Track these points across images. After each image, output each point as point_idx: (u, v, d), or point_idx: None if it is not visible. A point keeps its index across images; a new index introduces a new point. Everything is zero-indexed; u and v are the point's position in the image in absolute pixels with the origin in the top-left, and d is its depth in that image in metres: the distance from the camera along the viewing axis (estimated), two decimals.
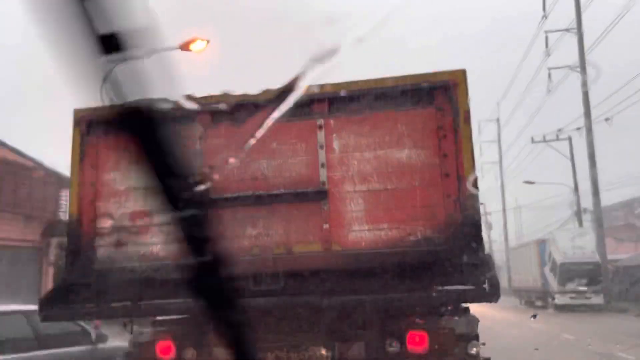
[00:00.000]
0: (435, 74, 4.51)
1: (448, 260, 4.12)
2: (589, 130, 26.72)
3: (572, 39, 28.04)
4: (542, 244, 30.68)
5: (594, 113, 26.86)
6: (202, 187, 1.29)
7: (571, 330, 16.26)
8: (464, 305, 4.79)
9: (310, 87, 4.61)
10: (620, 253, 31.91)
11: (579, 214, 31.39)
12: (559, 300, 26.51)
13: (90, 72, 1.03)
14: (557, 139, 32.05)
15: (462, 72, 4.44)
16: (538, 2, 30.80)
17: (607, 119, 25.77)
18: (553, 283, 27.10)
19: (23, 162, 18.15)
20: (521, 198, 52.69)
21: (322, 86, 4.60)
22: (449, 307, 4.74)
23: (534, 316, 22.28)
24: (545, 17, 30.30)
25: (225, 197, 4.48)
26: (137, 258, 4.53)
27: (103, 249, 4.64)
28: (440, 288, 4.45)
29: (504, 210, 50.62)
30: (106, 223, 4.68)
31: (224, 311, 1.30)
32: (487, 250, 4.21)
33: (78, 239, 4.65)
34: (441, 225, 4.22)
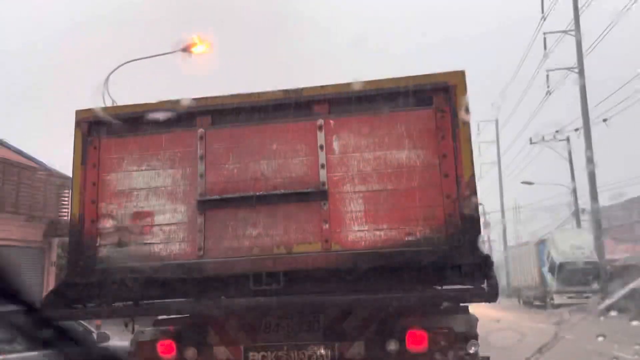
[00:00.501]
0: (434, 75, 4.54)
1: (447, 260, 4.15)
2: (587, 130, 26.77)
3: (571, 41, 28.10)
4: (541, 244, 30.75)
5: (592, 114, 26.93)
6: None
7: (570, 330, 16.29)
8: (463, 304, 4.83)
9: (310, 87, 4.65)
10: (619, 253, 31.94)
11: (577, 214, 31.44)
12: (558, 300, 26.56)
13: None
14: (556, 139, 32.10)
15: (461, 73, 4.47)
16: (537, 4, 30.87)
17: (605, 120, 25.85)
18: (552, 283, 27.15)
19: (25, 163, 18.17)
20: (520, 198, 52.75)
21: (322, 87, 4.64)
22: (449, 307, 4.77)
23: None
24: (543, 18, 30.37)
25: (226, 198, 4.51)
26: (138, 258, 4.56)
27: (105, 249, 4.67)
28: (439, 288, 4.49)
29: (503, 210, 50.67)
30: (108, 223, 4.71)
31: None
32: (486, 250, 4.25)
33: (80, 239, 4.67)
34: (440, 225, 4.25)
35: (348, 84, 4.59)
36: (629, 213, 39.45)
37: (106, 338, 7.13)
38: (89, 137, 4.83)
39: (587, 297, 25.80)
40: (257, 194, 4.46)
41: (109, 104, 13.77)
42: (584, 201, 29.38)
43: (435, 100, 4.46)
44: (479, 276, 4.04)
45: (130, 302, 4.51)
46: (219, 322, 4.72)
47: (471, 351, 4.46)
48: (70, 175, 4.92)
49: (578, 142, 28.21)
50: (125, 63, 15.94)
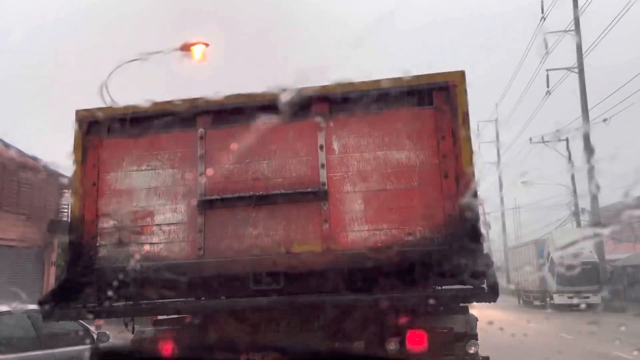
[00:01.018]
0: (434, 75, 4.55)
1: (447, 260, 4.15)
2: (587, 130, 26.78)
3: (571, 40, 28.10)
4: (540, 243, 30.75)
5: (592, 114, 26.95)
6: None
7: (570, 329, 16.30)
8: (463, 304, 4.83)
9: (310, 88, 4.65)
10: (619, 253, 31.94)
11: (577, 214, 31.45)
12: (557, 299, 26.57)
13: None
14: (556, 139, 32.11)
15: (461, 73, 4.48)
16: (537, 4, 30.88)
17: (605, 120, 25.87)
18: (551, 283, 27.16)
19: (25, 162, 18.16)
20: (520, 198, 52.74)
21: (322, 87, 4.64)
22: (448, 307, 4.77)
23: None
24: (543, 18, 30.38)
25: (226, 198, 4.51)
26: (138, 258, 4.56)
27: (104, 249, 4.67)
28: (439, 288, 4.49)
29: (503, 210, 50.68)
30: (108, 223, 4.71)
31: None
32: (485, 250, 4.25)
33: (80, 239, 4.67)
34: (440, 225, 4.25)
35: (348, 84, 4.59)
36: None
37: (106, 338, 7.13)
38: (89, 137, 4.83)
39: (586, 297, 25.82)
40: (257, 194, 4.46)
41: (109, 104, 13.77)
42: (585, 200, 29.38)
43: (435, 100, 4.47)
44: (479, 276, 4.04)
45: (130, 302, 4.51)
46: (219, 322, 4.72)
47: (471, 351, 4.47)
48: (70, 175, 4.93)
49: (578, 142, 28.22)
50: (125, 63, 15.93)
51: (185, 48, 15.20)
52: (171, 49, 15.65)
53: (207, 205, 4.54)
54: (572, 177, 31.43)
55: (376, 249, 4.28)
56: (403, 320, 4.50)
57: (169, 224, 4.60)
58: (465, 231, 4.17)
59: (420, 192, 4.34)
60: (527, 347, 12.54)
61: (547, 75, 30.93)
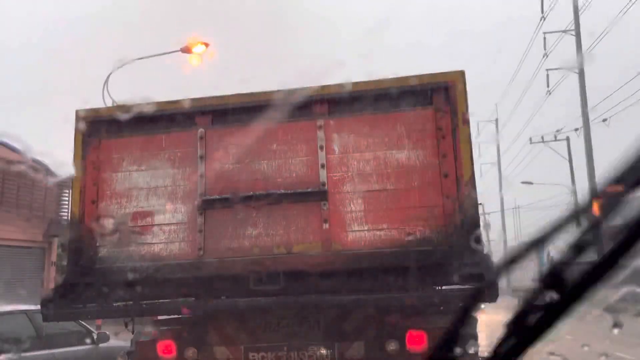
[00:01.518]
0: (434, 75, 4.55)
1: (447, 260, 4.16)
2: (587, 131, 26.78)
3: (571, 40, 28.11)
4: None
5: (592, 114, 26.94)
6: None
7: (570, 329, 16.32)
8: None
9: (310, 88, 4.66)
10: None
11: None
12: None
13: None
14: (556, 139, 32.11)
15: (461, 73, 4.48)
16: (537, 3, 30.87)
17: (604, 120, 25.87)
18: None
19: (25, 162, 18.15)
20: (520, 198, 52.77)
21: (322, 87, 4.64)
22: (448, 307, 4.77)
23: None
24: (543, 18, 30.37)
25: (226, 197, 4.52)
26: (138, 258, 4.57)
27: (105, 249, 4.67)
28: (439, 288, 4.50)
29: (503, 210, 50.69)
30: (108, 223, 4.71)
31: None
32: (485, 249, 4.25)
33: (80, 239, 4.68)
34: (440, 225, 4.25)
35: (348, 84, 4.59)
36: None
37: (106, 338, 7.13)
38: (89, 137, 4.83)
39: None
40: (257, 193, 4.46)
41: (109, 104, 13.77)
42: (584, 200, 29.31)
43: (435, 100, 4.47)
44: (479, 276, 4.04)
45: (130, 302, 4.52)
46: (219, 322, 4.72)
47: (471, 351, 4.47)
48: (71, 176, 4.93)
49: (578, 142, 28.24)
50: (125, 63, 15.93)
51: (186, 49, 15.22)
52: (171, 49, 15.68)
53: (207, 205, 4.54)
54: (572, 177, 31.44)
55: (376, 248, 4.28)
56: (403, 320, 4.50)
57: (169, 224, 4.60)
58: (465, 231, 4.17)
59: (420, 192, 4.34)
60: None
61: (547, 75, 30.95)
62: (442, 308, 4.75)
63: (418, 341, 4.39)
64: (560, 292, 1.02)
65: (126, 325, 5.17)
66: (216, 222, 4.52)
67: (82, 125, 4.84)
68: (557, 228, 1.06)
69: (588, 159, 26.98)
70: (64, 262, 7.73)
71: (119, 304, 4.58)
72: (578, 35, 27.45)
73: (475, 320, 4.83)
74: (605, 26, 25.25)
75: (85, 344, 6.98)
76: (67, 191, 18.24)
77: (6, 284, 15.83)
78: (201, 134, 4.67)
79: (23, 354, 6.15)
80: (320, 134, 4.52)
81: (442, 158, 4.34)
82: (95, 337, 7.07)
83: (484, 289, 3.98)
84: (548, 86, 31.22)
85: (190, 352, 4.62)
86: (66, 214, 18.04)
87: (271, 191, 4.47)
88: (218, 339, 4.70)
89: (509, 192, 50.20)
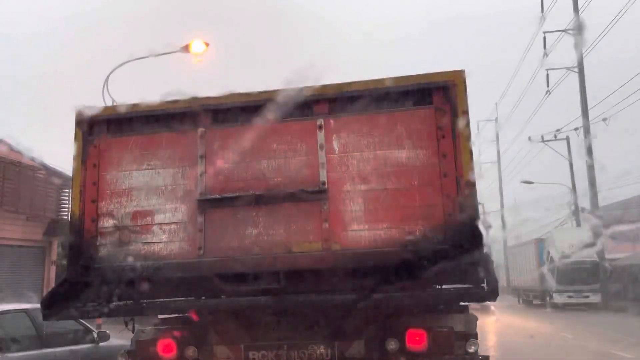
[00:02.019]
0: (434, 75, 4.55)
1: (447, 260, 4.16)
2: (587, 130, 26.79)
3: (571, 40, 28.11)
4: (540, 243, 30.77)
5: (591, 113, 26.95)
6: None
7: (569, 329, 16.31)
8: (463, 304, 4.83)
9: (310, 87, 4.66)
10: (618, 252, 31.95)
11: (576, 213, 31.45)
12: (557, 299, 26.59)
13: None
14: (555, 139, 32.12)
15: (461, 73, 4.48)
16: (537, 3, 30.88)
17: (604, 119, 25.88)
18: (551, 282, 27.18)
19: (25, 163, 18.17)
20: (519, 198, 52.75)
21: (322, 86, 4.64)
22: (448, 306, 4.78)
23: None
24: (543, 17, 30.38)
25: (226, 197, 4.52)
26: (138, 257, 4.57)
27: (105, 248, 4.67)
28: (439, 287, 4.50)
29: (502, 209, 50.69)
30: (108, 222, 4.71)
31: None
32: (485, 249, 4.25)
33: (80, 238, 4.68)
34: (440, 224, 4.25)
35: (348, 84, 4.60)
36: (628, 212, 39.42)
37: (106, 337, 7.14)
38: (89, 137, 4.83)
39: (586, 297, 25.84)
40: (257, 193, 4.46)
41: (109, 103, 13.78)
42: (585, 199, 29.39)
43: (435, 100, 4.47)
44: (479, 275, 4.04)
45: (130, 302, 4.52)
46: (219, 321, 4.73)
47: (471, 350, 4.48)
48: (70, 175, 4.93)
49: (578, 141, 28.23)
50: (125, 62, 15.93)
51: (186, 48, 15.22)
52: (171, 48, 15.67)
53: (207, 204, 4.54)
54: (572, 177, 31.43)
55: (376, 248, 4.29)
56: (403, 319, 4.50)
57: (169, 224, 4.60)
58: (465, 230, 4.18)
59: (420, 192, 4.34)
60: (527, 347, 12.55)
61: (547, 75, 30.96)
62: (442, 307, 4.76)
63: (418, 340, 4.39)
64: None
65: (126, 324, 5.18)
66: (216, 222, 4.52)
67: (82, 125, 4.84)
68: None
69: (588, 158, 26.98)
70: (64, 262, 7.73)
71: (119, 303, 4.58)
72: (578, 35, 27.44)
73: (475, 319, 4.84)
74: (606, 25, 25.26)
75: (86, 342, 6.99)
76: (67, 191, 18.25)
77: (6, 284, 15.85)
78: (201, 133, 4.67)
79: (23, 353, 6.16)
80: (320, 133, 4.52)
81: (442, 157, 4.34)
82: (95, 336, 7.09)
83: (484, 288, 4.01)
84: (548, 86, 31.25)
85: (191, 351, 4.62)
86: (66, 213, 18.04)
87: (271, 191, 4.47)
88: (218, 338, 4.71)
89: (509, 191, 50.19)
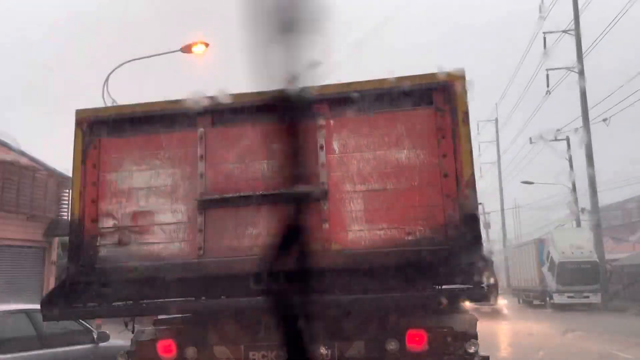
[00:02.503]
0: (434, 75, 4.55)
1: (447, 260, 4.16)
2: (587, 130, 26.79)
3: (571, 40, 28.11)
4: (540, 243, 30.76)
5: (591, 114, 26.95)
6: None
7: (570, 329, 16.30)
8: (463, 304, 4.83)
9: (310, 87, 4.65)
10: (619, 252, 31.95)
11: (577, 213, 31.44)
12: (557, 299, 26.58)
13: None
14: (555, 139, 32.12)
15: (461, 73, 4.48)
16: (537, 3, 30.89)
17: (604, 120, 25.87)
18: (551, 282, 27.18)
19: (25, 163, 18.17)
20: (520, 198, 52.78)
21: (322, 87, 4.63)
22: (448, 306, 4.78)
23: None
24: (543, 18, 30.38)
25: (226, 197, 4.52)
26: (138, 257, 4.57)
27: (105, 249, 4.68)
28: (439, 287, 4.49)
29: (503, 210, 50.71)
30: (108, 223, 4.72)
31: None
32: (485, 249, 4.25)
33: (80, 239, 4.68)
34: (440, 225, 4.25)
35: (348, 84, 4.59)
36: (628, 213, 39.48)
37: (106, 338, 7.13)
38: (89, 137, 4.83)
39: (586, 297, 25.83)
40: (257, 193, 4.46)
41: (109, 104, 13.77)
42: (585, 199, 29.40)
43: (435, 100, 4.47)
44: (479, 275, 4.04)
45: (130, 302, 4.52)
46: (219, 322, 4.73)
47: (470, 350, 4.47)
48: (70, 175, 4.93)
49: (578, 142, 28.23)
50: (125, 63, 15.94)
51: (186, 48, 15.23)
52: (172, 48, 15.68)
53: (207, 204, 4.54)
54: (572, 177, 31.42)
55: (376, 248, 4.29)
56: (403, 320, 4.50)
57: (169, 224, 4.60)
58: (465, 230, 4.18)
59: (420, 192, 4.34)
60: (528, 347, 12.54)
61: (547, 75, 30.96)
62: (441, 308, 4.75)
63: (418, 340, 4.39)
64: None
65: (126, 325, 5.17)
66: (216, 222, 4.52)
67: (82, 125, 4.84)
68: None
69: (588, 159, 27.00)
70: (64, 262, 7.72)
71: (119, 303, 4.58)
72: (578, 36, 27.45)
73: (475, 320, 4.84)
74: (606, 25, 25.26)
75: (85, 343, 6.98)
76: (67, 191, 18.24)
77: (6, 284, 15.84)
78: (201, 133, 4.67)
79: (23, 354, 6.15)
80: (321, 133, 4.52)
81: (442, 158, 4.34)
82: (95, 336, 7.07)
83: (484, 289, 4.01)
84: (548, 86, 31.25)
85: (191, 351, 4.62)
86: (66, 214, 18.03)
87: (271, 191, 4.46)
88: (218, 338, 4.70)
89: (509, 191, 50.20)
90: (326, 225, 4.36)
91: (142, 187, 4.70)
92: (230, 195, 4.51)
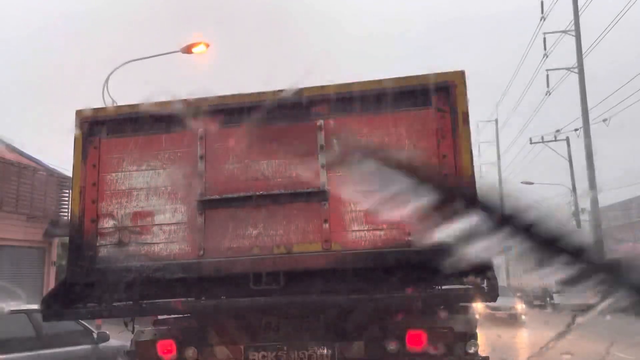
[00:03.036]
0: (434, 75, 4.54)
1: (447, 260, 4.15)
2: (587, 131, 26.80)
3: (571, 40, 28.12)
4: None
5: (592, 114, 26.95)
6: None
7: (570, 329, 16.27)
8: (463, 304, 4.83)
9: (310, 88, 4.66)
10: (618, 253, 31.95)
11: (576, 214, 31.46)
12: (558, 299, 26.59)
13: None
14: (555, 139, 32.13)
15: (461, 73, 4.48)
16: (537, 4, 30.90)
17: (604, 120, 25.89)
18: (551, 282, 27.19)
19: (25, 163, 18.18)
20: (519, 198, 52.66)
21: (322, 87, 4.64)
22: (448, 307, 4.78)
23: None
24: (543, 18, 30.39)
25: (226, 197, 4.52)
26: (138, 258, 4.57)
27: (105, 249, 4.67)
28: (439, 287, 4.50)
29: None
30: (108, 223, 4.71)
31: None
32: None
33: (80, 239, 4.68)
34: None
35: (348, 84, 4.59)
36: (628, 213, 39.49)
37: (106, 338, 7.13)
38: (89, 137, 4.83)
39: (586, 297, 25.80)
40: (257, 193, 4.46)
41: (109, 104, 13.77)
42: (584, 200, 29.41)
43: (435, 100, 4.47)
44: (479, 276, 4.04)
45: (130, 302, 4.52)
46: (219, 322, 4.73)
47: (470, 351, 4.48)
48: (70, 175, 4.93)
49: (578, 142, 28.24)
50: (125, 63, 15.94)
51: (186, 48, 15.23)
52: (172, 48, 15.68)
53: (207, 205, 4.54)
54: (572, 178, 31.44)
55: (376, 248, 4.29)
56: (403, 320, 4.50)
57: (169, 224, 4.60)
58: None
59: None
60: (528, 347, 12.54)
61: (547, 75, 30.96)
62: (442, 308, 4.75)
63: (418, 341, 4.39)
64: None
65: (126, 325, 5.17)
66: (216, 222, 4.52)
67: (82, 125, 4.84)
68: None
69: (588, 159, 27.00)
70: (64, 262, 7.72)
71: (119, 303, 4.58)
72: (578, 36, 27.46)
73: (475, 320, 4.84)
74: (606, 26, 25.27)
75: (85, 343, 6.98)
76: (67, 191, 18.24)
77: (6, 284, 15.84)
78: (201, 133, 4.67)
79: (23, 354, 6.15)
80: (320, 133, 4.52)
81: (442, 158, 4.34)
82: (95, 336, 7.08)
83: (484, 289, 4.01)
84: (548, 86, 31.25)
85: (191, 351, 4.63)
86: (66, 214, 18.04)
87: (271, 191, 4.47)
88: (218, 338, 4.71)
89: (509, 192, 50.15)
90: (326, 226, 4.36)
91: (142, 187, 4.70)
92: (231, 195, 4.51)
